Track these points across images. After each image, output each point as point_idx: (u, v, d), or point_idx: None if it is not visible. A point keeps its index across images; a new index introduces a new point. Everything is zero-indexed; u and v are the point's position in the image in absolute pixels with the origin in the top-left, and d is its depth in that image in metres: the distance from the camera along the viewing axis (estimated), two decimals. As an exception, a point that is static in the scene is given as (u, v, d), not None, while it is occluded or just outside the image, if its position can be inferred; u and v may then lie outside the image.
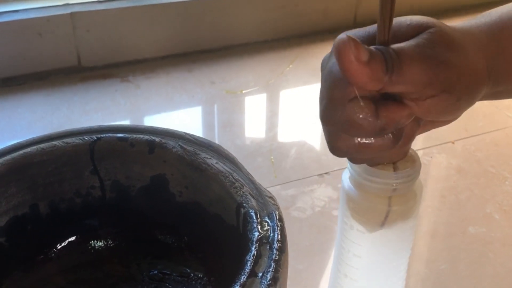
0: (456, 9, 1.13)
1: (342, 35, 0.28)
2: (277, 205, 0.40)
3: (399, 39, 0.30)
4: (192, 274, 0.47)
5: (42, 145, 0.45)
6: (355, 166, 0.36)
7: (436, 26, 0.30)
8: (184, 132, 0.48)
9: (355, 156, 0.33)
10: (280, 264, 0.36)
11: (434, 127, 0.35)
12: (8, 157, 0.44)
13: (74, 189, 0.47)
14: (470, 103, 0.31)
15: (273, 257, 0.36)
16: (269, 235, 0.38)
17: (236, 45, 1.00)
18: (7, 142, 0.44)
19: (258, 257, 0.36)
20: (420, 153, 0.68)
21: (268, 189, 0.42)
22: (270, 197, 0.41)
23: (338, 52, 0.27)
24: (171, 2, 0.94)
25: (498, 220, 0.66)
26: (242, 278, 0.35)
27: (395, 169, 0.34)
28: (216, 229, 0.45)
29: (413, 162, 0.35)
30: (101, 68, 0.93)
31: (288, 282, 0.38)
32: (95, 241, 0.49)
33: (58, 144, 0.46)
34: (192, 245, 0.48)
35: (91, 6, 0.91)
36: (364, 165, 0.35)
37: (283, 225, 0.39)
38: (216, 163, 0.44)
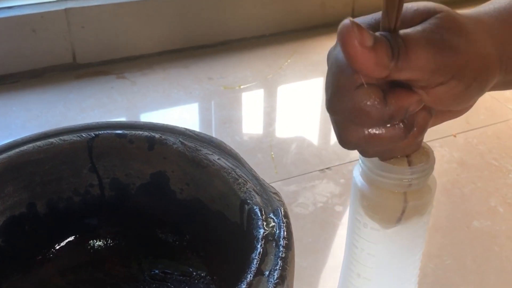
0: None
1: (346, 20, 0.27)
2: (282, 201, 0.40)
3: (405, 25, 0.29)
4: (194, 273, 0.46)
5: (38, 143, 0.44)
6: (367, 161, 0.35)
7: (444, 11, 0.29)
8: (185, 128, 0.47)
9: (365, 148, 0.32)
10: (287, 262, 0.35)
11: (447, 119, 0.34)
12: (4, 155, 0.43)
13: (72, 188, 0.46)
14: (481, 90, 0.30)
15: (280, 254, 0.35)
16: (274, 232, 0.37)
17: (233, 40, 1.00)
18: (2, 141, 0.43)
19: (264, 255, 0.35)
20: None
21: (269, 185, 0.41)
22: (275, 193, 0.41)
23: (342, 37, 0.26)
24: (167, -3, 0.93)
25: (502, 213, 0.65)
26: (249, 277, 0.34)
27: (409, 164, 0.33)
28: (218, 227, 0.44)
29: (427, 155, 0.34)
30: (97, 65, 0.93)
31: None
32: (95, 241, 0.48)
33: (55, 141, 0.45)
34: (194, 244, 0.47)
35: (86, 2, 0.90)
36: (377, 161, 0.34)
37: (289, 221, 0.38)
38: (218, 159, 0.43)
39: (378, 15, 0.31)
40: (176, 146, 0.45)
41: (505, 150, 0.76)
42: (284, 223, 0.38)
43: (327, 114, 0.31)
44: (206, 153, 0.44)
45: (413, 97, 0.29)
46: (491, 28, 0.31)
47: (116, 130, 0.46)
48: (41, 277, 0.45)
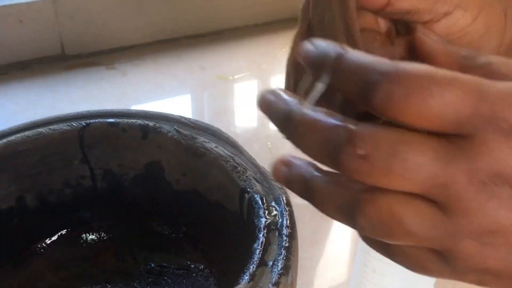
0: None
1: None
2: (284, 189, 0.38)
3: None
4: (192, 266, 0.45)
5: (27, 133, 0.43)
6: None
7: None
8: (180, 116, 0.45)
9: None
10: (291, 251, 0.34)
11: None
12: (-10, 146, 0.41)
13: (63, 180, 0.45)
14: (487, 32, 0.29)
15: (283, 244, 0.34)
16: (277, 221, 0.36)
17: (226, 29, 0.98)
18: (-11, 133, 0.42)
19: (267, 245, 0.34)
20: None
21: (267, 176, 0.40)
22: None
23: None
24: (157, -14, 0.91)
25: None
26: (251, 267, 0.32)
27: None
28: (217, 218, 0.43)
29: None
30: (86, 56, 0.91)
31: (296, 271, 0.36)
32: (87, 234, 0.47)
33: (44, 131, 0.44)
34: (192, 236, 0.46)
35: (74, -8, 0.88)
36: None
37: (292, 209, 0.37)
38: (215, 147, 0.42)
39: None
40: (171, 134, 0.44)
41: None
42: (286, 211, 0.36)
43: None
44: (203, 141, 0.43)
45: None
46: None
47: (108, 118, 0.45)
48: (32, 273, 0.44)
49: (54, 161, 0.44)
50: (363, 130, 0.19)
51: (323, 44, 0.22)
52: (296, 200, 0.59)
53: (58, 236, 0.46)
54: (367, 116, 0.21)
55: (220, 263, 0.43)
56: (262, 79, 0.88)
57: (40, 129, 0.44)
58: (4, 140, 0.42)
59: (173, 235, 0.47)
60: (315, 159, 0.21)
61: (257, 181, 0.39)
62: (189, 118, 0.45)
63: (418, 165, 0.19)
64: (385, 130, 0.19)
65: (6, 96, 0.82)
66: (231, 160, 0.41)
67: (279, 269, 0.32)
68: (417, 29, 0.27)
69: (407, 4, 0.27)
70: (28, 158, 0.43)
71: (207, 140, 0.43)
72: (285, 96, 0.22)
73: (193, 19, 0.96)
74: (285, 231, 0.35)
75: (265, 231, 0.35)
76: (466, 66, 0.23)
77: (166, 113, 0.45)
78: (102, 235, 0.47)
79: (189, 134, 0.43)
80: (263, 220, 0.36)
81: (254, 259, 0.33)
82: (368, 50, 0.24)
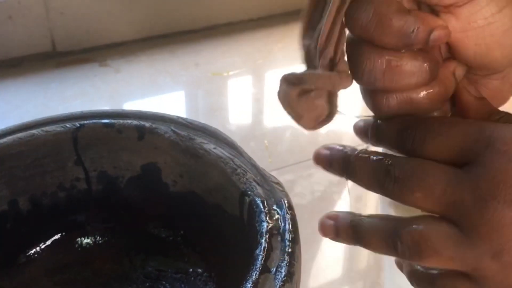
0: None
1: None
2: (285, 192, 0.37)
3: None
4: (190, 270, 0.44)
5: (19, 135, 0.43)
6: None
7: None
8: (177, 116, 0.45)
9: (381, 84, 0.27)
10: (294, 257, 0.33)
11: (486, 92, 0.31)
12: (-19, 149, 0.41)
13: (57, 182, 0.44)
14: None
15: (286, 249, 0.33)
16: (279, 226, 0.35)
17: (220, 24, 0.97)
18: (-21, 133, 0.41)
19: (269, 251, 0.33)
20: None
21: (264, 174, 0.39)
22: (277, 183, 0.39)
23: None
24: (150, -19, 0.90)
25: None
26: (254, 275, 0.32)
27: None
28: (216, 221, 0.42)
29: None
30: (78, 53, 0.90)
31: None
32: (82, 238, 0.46)
33: (37, 133, 0.43)
34: (190, 239, 0.45)
35: (65, -13, 0.87)
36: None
37: (294, 213, 0.36)
38: (214, 148, 0.41)
39: None
40: (168, 135, 0.43)
41: None
42: (288, 214, 0.36)
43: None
44: (200, 142, 0.42)
45: (439, 20, 0.26)
46: None
47: (103, 119, 0.44)
48: (26, 278, 0.44)
49: (48, 163, 0.43)
50: (395, 161, 0.26)
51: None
52: (294, 201, 0.58)
53: (53, 240, 0.45)
54: None
55: (220, 267, 0.42)
56: (257, 75, 0.88)
57: (33, 131, 0.43)
58: (-4, 143, 0.41)
59: (171, 238, 0.46)
60: (369, 187, 0.27)
61: (258, 184, 0.38)
62: (186, 118, 0.44)
63: (433, 184, 0.24)
64: (411, 160, 0.25)
65: (-4, 94, 0.81)
66: (231, 162, 0.40)
67: (282, 276, 0.32)
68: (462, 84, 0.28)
69: None
70: (21, 161, 0.42)
71: (205, 141, 0.42)
72: (338, 146, 0.29)
73: (187, 14, 0.95)
74: (287, 235, 0.34)
75: (267, 236, 0.34)
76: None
77: (163, 113, 0.45)
78: (97, 239, 0.46)
79: (186, 135, 0.43)
80: (265, 224, 0.35)
81: (256, 265, 0.32)
82: (383, 13, 0.25)
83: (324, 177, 0.65)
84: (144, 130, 0.43)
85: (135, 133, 0.43)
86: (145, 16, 0.93)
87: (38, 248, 0.45)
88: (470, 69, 0.28)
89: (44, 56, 0.88)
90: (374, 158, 0.27)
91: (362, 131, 0.30)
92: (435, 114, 0.28)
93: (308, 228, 0.58)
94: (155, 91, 0.84)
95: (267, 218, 0.35)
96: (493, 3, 0.26)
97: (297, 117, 0.29)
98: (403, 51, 0.26)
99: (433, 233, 0.24)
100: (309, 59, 0.28)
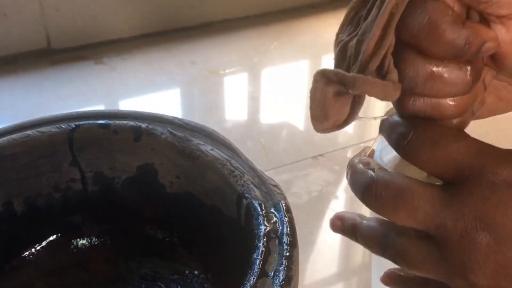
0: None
1: None
2: (283, 194, 0.37)
3: None
4: (187, 272, 0.44)
5: (14, 136, 0.42)
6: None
7: None
8: (173, 116, 0.44)
9: (418, 89, 0.26)
10: (292, 261, 0.33)
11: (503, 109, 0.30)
12: (-25, 150, 0.40)
13: (52, 183, 0.44)
14: None
15: (284, 253, 0.33)
16: (277, 229, 0.34)
17: (217, 22, 0.97)
18: (-27, 133, 0.40)
19: (267, 254, 0.33)
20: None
21: (260, 174, 0.39)
22: (275, 186, 0.38)
23: None
24: (146, -22, 0.90)
25: None
26: (252, 279, 0.31)
27: None
28: (213, 223, 0.42)
29: None
30: (73, 50, 0.89)
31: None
32: (78, 240, 0.45)
33: (32, 134, 0.42)
34: (186, 240, 0.45)
35: (60, -17, 0.86)
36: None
37: (292, 216, 0.36)
38: (211, 149, 0.41)
39: None
40: (164, 136, 0.43)
41: None
42: (286, 217, 0.35)
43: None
44: (197, 143, 0.41)
45: (491, 32, 0.25)
46: None
47: (99, 120, 0.44)
48: (21, 281, 0.43)
49: (43, 164, 0.43)
50: (378, 177, 0.26)
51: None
52: (291, 200, 0.58)
53: (48, 241, 0.45)
54: None
55: (216, 269, 0.42)
56: (253, 73, 0.87)
57: (28, 132, 0.42)
58: (-10, 144, 0.41)
59: (167, 239, 0.45)
60: (356, 196, 0.27)
61: (255, 186, 0.38)
62: (183, 119, 0.44)
63: (417, 207, 0.25)
64: (396, 178, 0.26)
65: (-10, 92, 0.80)
66: (228, 164, 0.40)
67: (280, 280, 0.31)
68: None
69: None
70: (15, 162, 0.42)
71: (202, 142, 0.42)
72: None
73: (183, 12, 0.95)
74: (285, 239, 0.34)
75: (264, 239, 0.34)
76: None
77: (159, 114, 0.44)
78: (93, 240, 0.46)
79: (183, 136, 0.42)
80: (263, 227, 0.35)
81: (254, 269, 0.32)
82: (437, 23, 0.24)
83: (321, 177, 0.65)
84: (140, 131, 0.43)
85: (131, 134, 0.43)
86: (141, 13, 0.92)
87: (33, 250, 0.44)
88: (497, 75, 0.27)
89: (39, 53, 0.88)
90: (359, 169, 0.28)
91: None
92: (454, 121, 0.27)
93: (304, 228, 0.58)
94: (151, 90, 0.83)
95: (265, 221, 0.35)
96: None
97: (322, 118, 0.27)
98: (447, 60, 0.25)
99: (413, 250, 0.25)
100: (342, 56, 0.27)
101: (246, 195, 0.37)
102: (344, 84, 0.25)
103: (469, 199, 0.24)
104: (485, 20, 0.26)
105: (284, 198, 0.37)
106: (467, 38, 0.24)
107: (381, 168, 0.27)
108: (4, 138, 0.41)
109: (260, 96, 0.82)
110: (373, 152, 0.31)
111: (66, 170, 0.44)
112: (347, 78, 0.25)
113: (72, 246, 0.45)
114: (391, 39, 0.25)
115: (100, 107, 0.79)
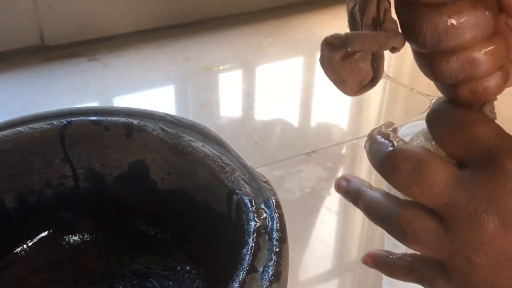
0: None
1: None
2: (273, 191, 0.37)
3: None
4: (179, 268, 0.44)
5: (5, 132, 0.42)
6: None
7: None
8: (165, 113, 0.44)
9: (444, 43, 0.25)
10: (281, 256, 0.33)
11: None
12: (-34, 146, 0.40)
13: (44, 180, 0.44)
14: None
15: (274, 249, 0.33)
16: (267, 225, 0.35)
17: (210, 18, 0.97)
18: (-35, 130, 0.40)
19: (256, 250, 0.33)
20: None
21: (253, 171, 0.39)
22: (265, 182, 0.38)
23: None
24: (140, -26, 0.89)
25: None
26: (241, 274, 0.31)
27: None
28: (204, 219, 0.42)
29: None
30: (67, 47, 0.89)
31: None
32: (70, 236, 0.45)
33: (23, 130, 0.42)
34: (178, 236, 0.45)
35: (53, -20, 0.86)
36: None
37: (282, 212, 0.36)
38: (202, 146, 0.41)
39: None
40: (156, 132, 0.42)
41: None
42: (276, 213, 0.35)
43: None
44: (189, 140, 0.41)
45: None
46: None
47: (90, 116, 0.44)
48: (13, 277, 0.43)
49: (34, 161, 0.43)
50: (399, 148, 0.26)
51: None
52: (284, 196, 0.58)
53: (40, 238, 0.45)
54: None
55: (208, 265, 0.42)
56: (247, 69, 0.87)
57: (19, 128, 0.42)
58: (-19, 140, 0.41)
59: (159, 235, 0.45)
60: (373, 166, 0.27)
61: (246, 182, 0.38)
62: (175, 116, 0.44)
63: (432, 183, 0.25)
64: (417, 151, 0.26)
65: (-17, 89, 0.80)
66: (219, 160, 0.40)
67: (269, 275, 0.32)
68: None
69: None
70: (7, 158, 0.42)
71: (193, 139, 0.42)
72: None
73: (177, 9, 0.94)
74: (275, 235, 0.34)
75: (254, 235, 0.34)
76: None
77: (151, 111, 0.44)
78: (85, 236, 0.46)
79: (174, 132, 0.42)
80: (253, 223, 0.35)
81: (243, 265, 0.32)
82: None
83: (314, 173, 0.65)
84: (132, 128, 0.43)
85: (123, 130, 0.43)
86: (135, 10, 0.92)
87: (25, 246, 0.44)
88: None
89: (32, 50, 0.87)
90: (379, 141, 0.27)
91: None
92: (486, 107, 0.27)
93: (297, 224, 0.59)
94: (145, 86, 0.83)
95: (255, 217, 0.35)
96: None
97: (340, 82, 0.27)
98: (455, 3, 0.24)
99: (418, 224, 0.26)
100: (353, 23, 0.27)
101: (237, 191, 0.37)
102: (344, 44, 0.26)
103: (483, 182, 0.24)
104: None
105: (274, 194, 0.37)
106: None
107: (402, 140, 0.27)
108: (-5, 135, 0.41)
109: (254, 93, 0.82)
110: (396, 130, 0.30)
111: (58, 166, 0.44)
112: (342, 38, 0.26)
113: (64, 242, 0.45)
114: None
115: (93, 104, 0.79)
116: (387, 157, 0.26)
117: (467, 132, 0.25)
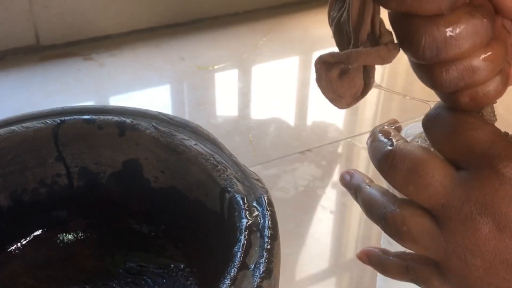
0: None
1: None
2: (265, 188, 0.37)
3: None
4: (172, 265, 0.44)
5: None
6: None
7: None
8: (158, 112, 0.44)
9: (443, 55, 0.25)
10: (273, 253, 0.33)
11: None
12: (-41, 145, 0.40)
13: (38, 178, 0.44)
14: None
15: (265, 246, 0.33)
16: (259, 222, 0.35)
17: (206, 18, 0.97)
18: (-41, 129, 0.40)
19: (248, 247, 0.33)
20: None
21: (248, 170, 0.39)
22: (257, 180, 0.39)
23: None
24: (135, -26, 0.89)
25: None
26: (232, 271, 0.32)
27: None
28: (197, 217, 0.42)
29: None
30: (62, 46, 0.89)
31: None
32: (64, 234, 0.46)
33: (17, 129, 0.42)
34: (171, 234, 0.45)
35: (48, -21, 0.85)
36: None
37: (274, 210, 0.36)
38: (195, 144, 0.41)
39: None
40: (149, 131, 0.43)
41: None
42: (268, 211, 0.36)
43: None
44: (182, 139, 0.42)
45: None
46: None
47: (84, 115, 0.44)
48: (7, 275, 0.43)
49: (28, 159, 0.43)
50: (398, 148, 0.26)
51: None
52: (278, 195, 0.59)
53: (34, 236, 0.45)
54: None
55: (201, 262, 0.42)
56: (243, 69, 0.87)
57: (13, 127, 0.42)
58: (-25, 139, 0.41)
59: (153, 233, 0.46)
60: (373, 164, 0.27)
61: (238, 180, 0.38)
62: (168, 114, 0.44)
63: (429, 183, 0.25)
64: (416, 151, 0.26)
65: (-21, 88, 0.80)
66: (211, 158, 0.40)
67: (261, 272, 0.32)
68: None
69: None
70: (1, 157, 0.42)
71: (186, 137, 0.42)
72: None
73: (172, 8, 0.94)
74: (267, 232, 0.34)
75: (246, 232, 0.34)
76: None
77: (144, 109, 0.44)
78: (79, 235, 0.46)
79: (167, 131, 0.42)
80: (244, 221, 0.35)
81: (235, 262, 0.32)
82: None
83: (308, 172, 0.65)
84: (125, 126, 0.43)
85: (116, 129, 0.43)
86: (131, 9, 0.92)
87: (19, 244, 0.44)
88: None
89: (27, 49, 0.87)
90: (380, 140, 0.28)
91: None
92: (486, 110, 0.26)
93: (291, 222, 0.59)
94: (140, 86, 0.83)
95: (247, 214, 0.35)
96: None
97: (338, 99, 0.28)
98: (452, 13, 0.23)
99: (414, 223, 0.26)
100: (340, 33, 0.27)
101: (229, 189, 0.37)
102: (344, 62, 0.26)
103: (478, 185, 0.24)
104: None
105: (266, 192, 0.37)
106: None
107: (403, 139, 0.27)
108: (-11, 134, 0.41)
109: (249, 92, 0.82)
110: (400, 128, 0.31)
111: (52, 165, 0.44)
112: (342, 56, 0.26)
113: (58, 241, 0.45)
114: (370, 6, 0.25)
115: (89, 103, 0.79)
116: (386, 155, 0.26)
117: (461, 136, 0.25)
